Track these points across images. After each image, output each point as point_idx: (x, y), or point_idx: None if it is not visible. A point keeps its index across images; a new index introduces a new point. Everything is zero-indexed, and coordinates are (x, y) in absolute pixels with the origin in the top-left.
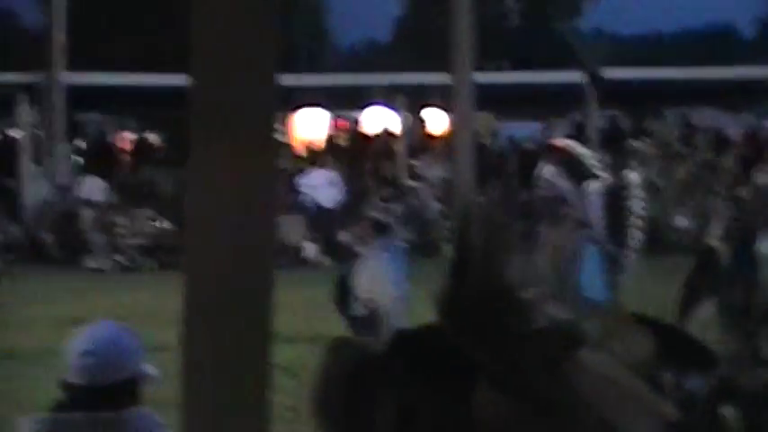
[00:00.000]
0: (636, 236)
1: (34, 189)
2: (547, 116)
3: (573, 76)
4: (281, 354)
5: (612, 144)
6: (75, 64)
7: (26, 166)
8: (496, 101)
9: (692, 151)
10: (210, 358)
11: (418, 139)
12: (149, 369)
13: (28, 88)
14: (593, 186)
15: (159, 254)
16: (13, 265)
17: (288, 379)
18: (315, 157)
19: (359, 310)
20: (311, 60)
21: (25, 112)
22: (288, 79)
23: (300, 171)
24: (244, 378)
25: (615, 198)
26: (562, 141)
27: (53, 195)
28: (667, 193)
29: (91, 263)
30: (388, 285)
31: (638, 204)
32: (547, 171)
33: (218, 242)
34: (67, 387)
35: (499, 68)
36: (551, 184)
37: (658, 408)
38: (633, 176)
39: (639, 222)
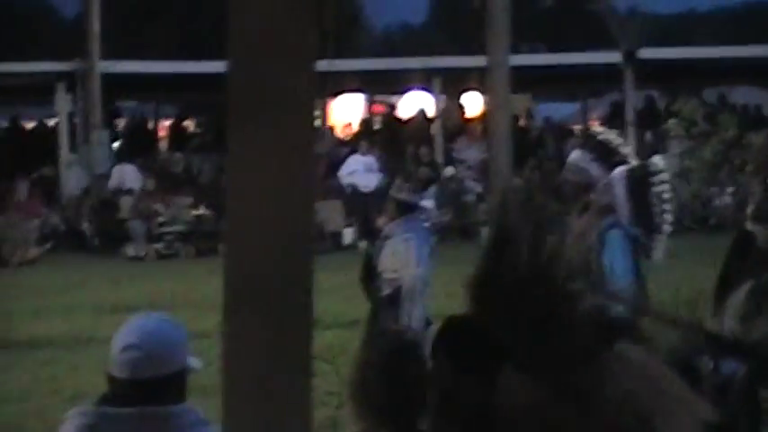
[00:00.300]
0: (664, 220)
1: (73, 177)
2: (583, 97)
3: (609, 56)
4: (320, 339)
5: (649, 124)
6: (111, 52)
7: (64, 154)
8: (533, 82)
9: (718, 130)
10: (252, 345)
11: (455, 122)
12: (193, 362)
13: (65, 76)
14: (618, 171)
15: (197, 241)
16: (52, 252)
17: (327, 364)
18: (352, 142)
19: (383, 288)
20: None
21: (63, 100)
22: (324, 65)
23: (338, 156)
24: (286, 365)
25: (641, 183)
26: (597, 129)
27: (91, 183)
28: (697, 174)
29: (130, 251)
30: (412, 265)
31: (664, 188)
32: (575, 156)
33: (257, 228)
34: (111, 380)
35: (535, 50)
36: (580, 168)
37: (696, 406)
38: (658, 160)
39: (667, 206)
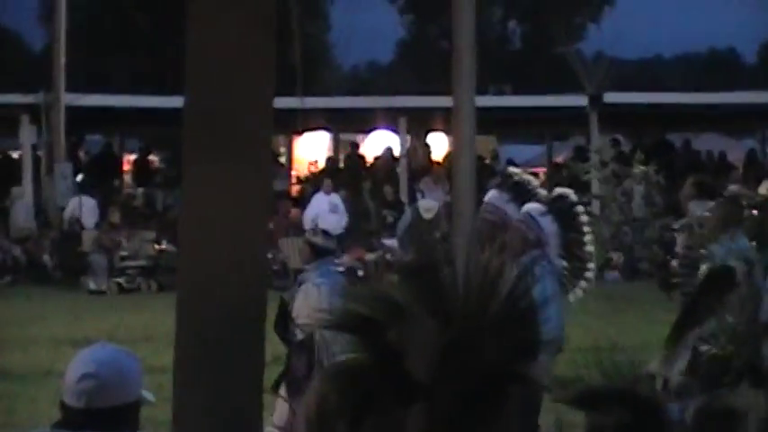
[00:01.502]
0: (584, 255)
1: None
2: (549, 139)
3: (574, 100)
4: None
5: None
6: (76, 84)
7: (28, 186)
8: (498, 124)
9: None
10: (202, 380)
11: (420, 162)
12: (147, 394)
13: (30, 108)
14: (534, 206)
15: (160, 275)
16: (12, 285)
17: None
18: (317, 180)
19: (296, 334)
20: (313, 83)
21: (27, 132)
22: (290, 102)
23: (302, 194)
24: (237, 399)
25: (563, 217)
26: (512, 170)
27: (53, 216)
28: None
29: (91, 284)
30: (325, 310)
31: (584, 219)
32: (492, 196)
33: (210, 262)
34: (66, 409)
35: (500, 92)
36: (496, 208)
37: None
38: (573, 197)
39: (588, 238)
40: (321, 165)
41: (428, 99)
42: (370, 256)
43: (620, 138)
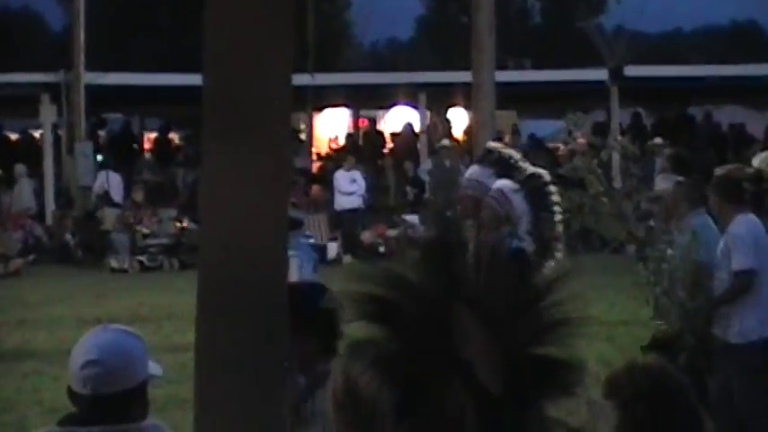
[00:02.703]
0: (557, 231)
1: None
2: (569, 114)
3: (595, 74)
4: None
5: (635, 141)
6: (96, 63)
7: (48, 165)
8: (518, 99)
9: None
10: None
11: (441, 138)
12: (154, 369)
13: (50, 88)
14: (506, 183)
15: (181, 253)
16: (35, 264)
17: None
18: (337, 157)
19: None
20: (334, 59)
21: (47, 111)
22: (308, 79)
23: (323, 170)
24: (261, 378)
25: (534, 195)
26: (493, 144)
27: (75, 195)
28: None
29: (113, 263)
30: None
31: (555, 198)
32: (473, 171)
33: (231, 240)
34: (73, 396)
35: (520, 66)
36: (479, 183)
37: None
38: (547, 176)
39: (558, 217)
40: (341, 141)
41: (448, 74)
42: (391, 233)
43: (641, 111)
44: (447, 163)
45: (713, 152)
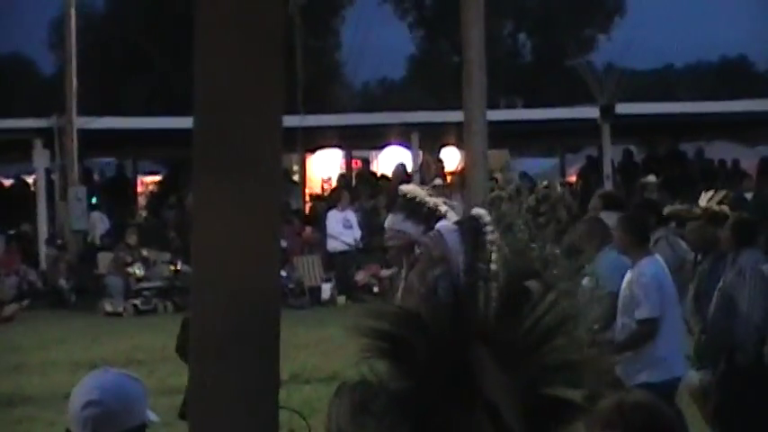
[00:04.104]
0: (492, 272)
1: (50, 233)
2: (561, 152)
3: (586, 112)
4: (298, 393)
5: (627, 178)
6: (88, 108)
7: (42, 210)
8: (510, 137)
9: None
10: (217, 399)
11: (433, 177)
12: (151, 415)
13: (43, 132)
14: (445, 223)
15: (175, 296)
16: (30, 309)
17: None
18: (331, 198)
19: None
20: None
21: (40, 156)
22: (302, 120)
23: (317, 212)
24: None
25: (470, 234)
26: (403, 187)
27: (68, 239)
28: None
29: (107, 306)
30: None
31: (492, 238)
32: (390, 220)
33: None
34: None
35: (512, 105)
36: (396, 231)
37: None
38: (486, 217)
39: (492, 256)
40: (334, 182)
41: (440, 114)
42: (385, 273)
43: (633, 148)
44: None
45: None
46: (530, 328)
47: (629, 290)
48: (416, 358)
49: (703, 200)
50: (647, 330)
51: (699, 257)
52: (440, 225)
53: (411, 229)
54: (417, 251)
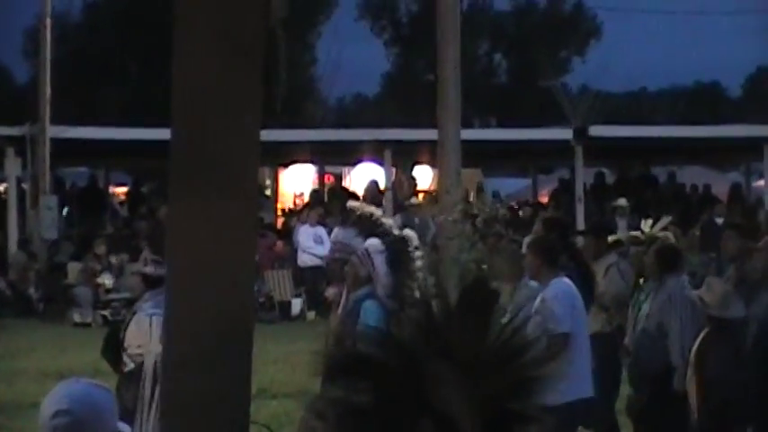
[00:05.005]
0: (411, 299)
1: (20, 242)
2: (534, 172)
3: (560, 133)
4: (266, 408)
5: (598, 200)
6: (62, 117)
7: (12, 218)
8: (484, 157)
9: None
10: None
11: (406, 195)
12: (123, 427)
13: (15, 141)
14: (374, 243)
15: None
16: None
17: None
18: (302, 213)
19: (126, 363)
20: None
21: (12, 164)
22: (276, 135)
23: (288, 226)
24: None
25: (397, 255)
26: (353, 204)
27: (38, 249)
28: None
29: (76, 316)
30: (154, 342)
31: (419, 262)
32: (337, 234)
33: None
34: None
35: (486, 124)
36: (344, 246)
37: None
38: (411, 234)
39: (418, 278)
40: (306, 197)
41: (413, 132)
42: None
43: (605, 171)
44: (416, 220)
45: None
46: (499, 345)
47: (541, 313)
48: (378, 373)
49: (645, 226)
50: (559, 346)
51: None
52: (368, 244)
53: (359, 244)
54: (345, 269)
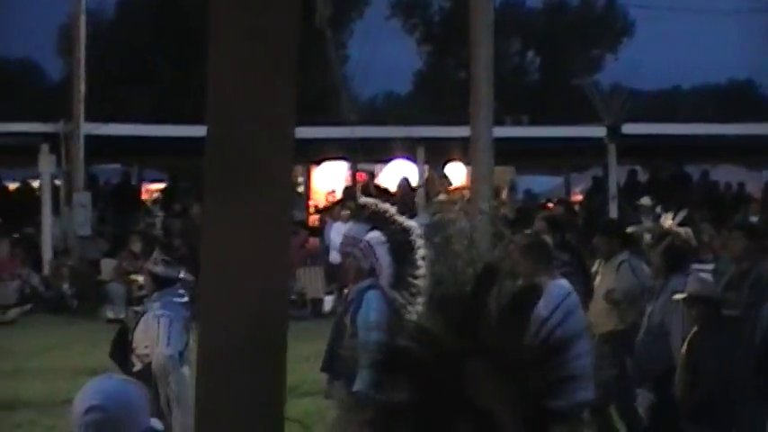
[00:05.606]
0: (419, 282)
1: (53, 238)
2: (566, 170)
3: (592, 131)
4: (297, 406)
5: (631, 198)
6: (96, 114)
7: (47, 215)
8: (516, 155)
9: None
10: (224, 411)
11: (437, 192)
12: (155, 423)
13: (50, 138)
14: (376, 235)
15: None
16: (31, 314)
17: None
18: (334, 210)
19: (135, 364)
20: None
21: (46, 161)
22: (308, 132)
23: (320, 223)
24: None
25: (399, 249)
26: (365, 200)
27: (72, 245)
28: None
29: (109, 313)
30: (162, 343)
31: (422, 253)
32: (351, 229)
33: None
34: None
35: (518, 122)
36: (357, 240)
37: None
38: (414, 225)
39: (421, 271)
40: (338, 195)
41: (446, 129)
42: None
43: (638, 169)
44: (444, 217)
45: (709, 210)
46: (539, 344)
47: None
48: (417, 370)
49: (665, 220)
50: None
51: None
52: (370, 236)
53: (364, 237)
54: (347, 262)
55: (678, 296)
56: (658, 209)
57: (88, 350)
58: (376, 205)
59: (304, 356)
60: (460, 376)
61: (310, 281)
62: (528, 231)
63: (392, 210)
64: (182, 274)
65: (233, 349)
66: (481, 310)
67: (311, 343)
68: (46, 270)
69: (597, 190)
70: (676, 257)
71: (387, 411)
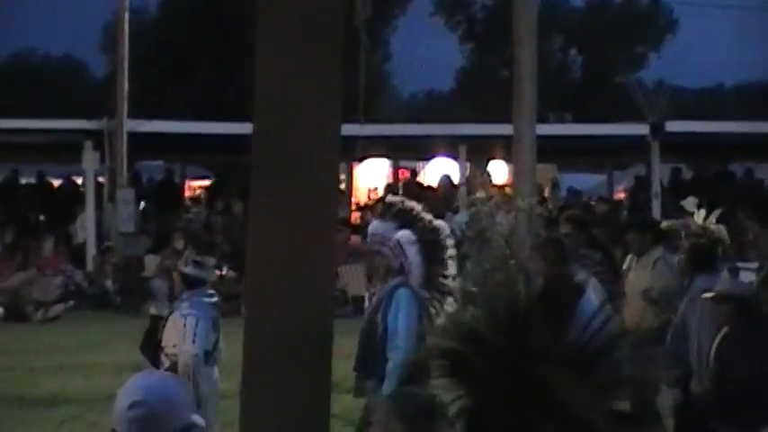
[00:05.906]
0: (445, 288)
1: (97, 235)
2: (609, 168)
3: (635, 129)
4: (341, 402)
5: (675, 196)
6: (139, 111)
7: (90, 212)
8: (559, 152)
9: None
10: (269, 407)
11: (479, 190)
12: (197, 419)
13: (93, 134)
14: (406, 234)
15: (220, 301)
16: (75, 310)
17: (346, 427)
18: (376, 207)
19: (163, 362)
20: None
21: (90, 158)
22: (351, 129)
23: (361, 221)
24: (304, 426)
25: (433, 245)
26: (392, 198)
27: (115, 241)
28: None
29: (152, 309)
30: (188, 342)
31: (451, 252)
32: (377, 226)
33: (277, 290)
34: None
35: (561, 120)
36: (385, 238)
37: None
38: (443, 225)
39: (451, 270)
40: (380, 192)
41: (488, 127)
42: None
43: (681, 167)
44: (483, 215)
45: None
46: (586, 342)
47: None
48: (477, 376)
49: (699, 217)
50: None
51: None
52: (400, 235)
53: (393, 236)
54: (377, 261)
55: (707, 295)
56: (702, 211)
57: (131, 346)
58: (402, 203)
59: (346, 354)
60: (534, 380)
61: (352, 278)
62: (552, 231)
63: (418, 207)
64: (223, 271)
65: (278, 346)
66: (542, 314)
67: (354, 340)
68: (89, 266)
69: (640, 188)
70: (701, 257)
71: (460, 416)
